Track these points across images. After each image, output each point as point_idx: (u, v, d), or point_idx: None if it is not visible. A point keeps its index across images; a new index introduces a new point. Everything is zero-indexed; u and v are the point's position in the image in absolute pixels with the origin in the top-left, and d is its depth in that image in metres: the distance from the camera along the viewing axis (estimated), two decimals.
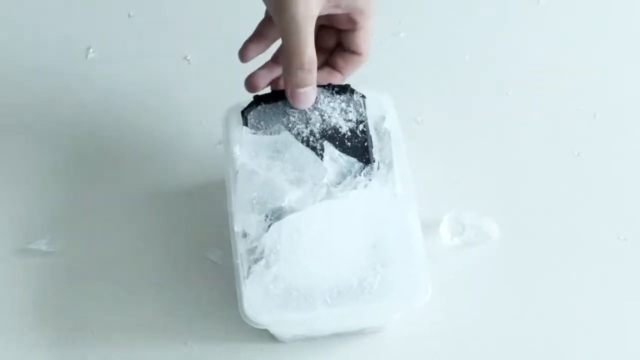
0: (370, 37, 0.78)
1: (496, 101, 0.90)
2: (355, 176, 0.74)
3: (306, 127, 0.76)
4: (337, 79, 0.79)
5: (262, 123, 0.76)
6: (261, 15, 0.92)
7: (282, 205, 0.73)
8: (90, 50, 0.92)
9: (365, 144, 0.75)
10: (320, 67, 0.78)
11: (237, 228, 0.73)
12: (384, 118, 0.77)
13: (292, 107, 0.77)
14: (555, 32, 0.94)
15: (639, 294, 0.81)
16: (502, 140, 0.88)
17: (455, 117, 0.89)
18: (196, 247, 0.82)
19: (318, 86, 0.77)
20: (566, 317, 0.80)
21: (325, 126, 0.76)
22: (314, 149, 0.75)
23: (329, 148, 0.75)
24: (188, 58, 0.91)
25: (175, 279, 0.81)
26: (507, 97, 0.90)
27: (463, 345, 0.79)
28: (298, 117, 0.76)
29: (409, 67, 0.91)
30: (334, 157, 0.75)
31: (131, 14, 0.94)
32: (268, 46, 0.79)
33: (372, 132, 0.76)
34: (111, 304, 0.80)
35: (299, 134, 0.76)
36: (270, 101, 0.77)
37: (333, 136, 0.76)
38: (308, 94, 0.75)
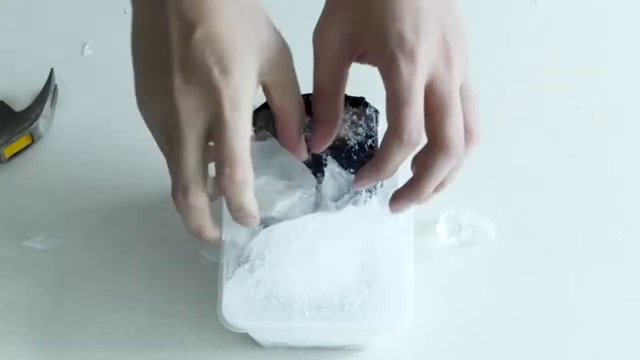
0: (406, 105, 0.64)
1: (493, 100, 0.89)
2: (356, 192, 0.73)
3: None
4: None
5: (270, 126, 0.76)
6: None
7: (272, 215, 0.72)
8: (86, 46, 0.91)
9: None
10: None
11: (225, 237, 0.73)
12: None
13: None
14: (553, 31, 0.94)
15: (636, 293, 0.81)
16: (499, 140, 0.87)
17: None
18: (191, 244, 0.81)
19: None
20: (563, 317, 0.80)
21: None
22: (318, 158, 0.75)
23: (332, 164, 0.74)
24: None
25: (170, 277, 0.81)
26: (504, 95, 0.90)
27: (458, 346, 0.79)
28: (307, 124, 0.76)
29: None
30: (333, 174, 0.74)
31: (127, 10, 0.93)
32: None
33: None
34: (106, 302, 0.80)
35: (306, 141, 0.75)
36: None
37: (340, 147, 0.74)
38: (316, 131, 0.71)
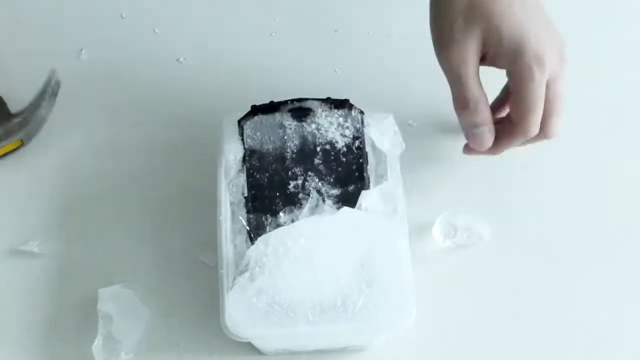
0: (531, 103, 0.75)
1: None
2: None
3: (302, 140, 0.76)
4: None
5: (258, 134, 0.76)
6: (252, 17, 0.91)
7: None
8: (83, 51, 0.92)
9: (360, 161, 0.75)
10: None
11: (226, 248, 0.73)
12: (382, 136, 0.77)
13: (289, 119, 0.77)
14: None
15: (631, 294, 0.81)
16: None
17: (447, 119, 0.88)
18: (189, 249, 0.82)
19: (316, 100, 0.77)
20: (560, 316, 0.79)
21: (321, 140, 0.76)
22: (307, 162, 0.75)
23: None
24: (181, 60, 0.91)
25: (169, 281, 0.80)
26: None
27: (457, 347, 0.79)
28: (294, 129, 0.76)
29: (401, 69, 0.91)
30: None
31: (124, 15, 0.94)
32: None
33: (368, 149, 0.77)
34: None
35: (294, 145, 0.76)
36: (268, 112, 0.77)
37: (328, 151, 0.75)
38: (480, 135, 0.78)
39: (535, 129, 0.76)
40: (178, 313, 0.79)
